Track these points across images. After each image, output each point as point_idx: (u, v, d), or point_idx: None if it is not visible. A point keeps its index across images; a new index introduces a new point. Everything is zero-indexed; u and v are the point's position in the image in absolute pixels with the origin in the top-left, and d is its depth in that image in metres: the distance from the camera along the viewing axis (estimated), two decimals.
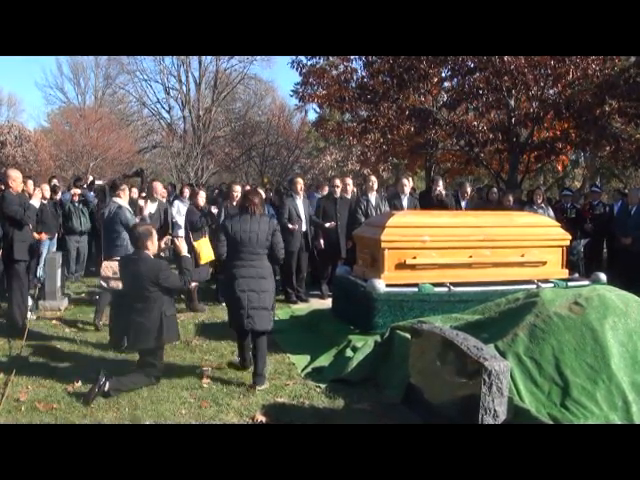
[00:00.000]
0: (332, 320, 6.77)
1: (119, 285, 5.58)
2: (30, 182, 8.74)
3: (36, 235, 7.86)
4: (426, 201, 9.59)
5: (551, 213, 9.37)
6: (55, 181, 12.37)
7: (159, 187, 8.68)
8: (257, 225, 5.19)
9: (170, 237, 6.20)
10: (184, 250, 5.32)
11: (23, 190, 7.26)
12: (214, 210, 8.49)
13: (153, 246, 5.08)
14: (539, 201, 9.77)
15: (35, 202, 7.14)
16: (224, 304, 7.84)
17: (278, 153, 31.58)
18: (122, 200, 7.08)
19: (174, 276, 5.04)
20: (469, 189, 10.49)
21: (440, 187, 9.42)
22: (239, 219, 5.26)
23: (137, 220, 7.00)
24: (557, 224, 7.17)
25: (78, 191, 10.87)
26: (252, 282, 5.12)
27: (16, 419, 4.33)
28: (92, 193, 12.00)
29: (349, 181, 9.62)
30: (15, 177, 6.61)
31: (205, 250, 7.29)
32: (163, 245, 5.84)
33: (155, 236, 5.13)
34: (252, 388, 5.03)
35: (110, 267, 6.17)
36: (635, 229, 8.93)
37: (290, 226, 8.50)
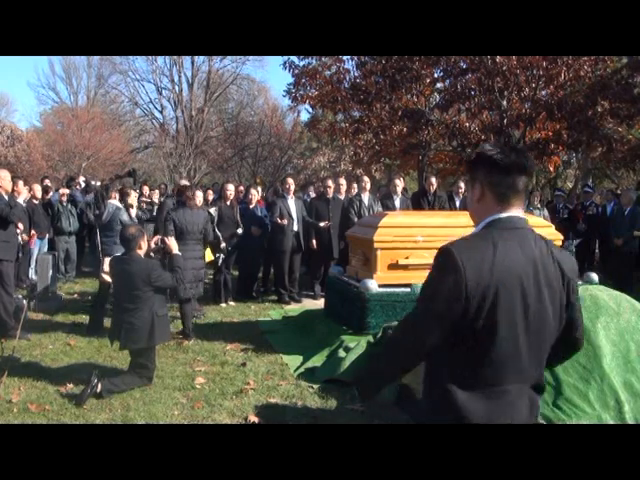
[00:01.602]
0: (325, 320, 6.76)
1: None
2: (20, 182, 8.67)
3: (25, 237, 7.79)
4: (419, 203, 9.58)
5: (546, 214, 9.45)
6: (47, 181, 12.31)
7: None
8: (196, 217, 6.69)
9: (159, 237, 6.20)
10: (175, 249, 5.37)
11: (13, 190, 7.21)
12: (212, 211, 8.46)
13: (144, 246, 5.09)
14: (535, 202, 9.84)
15: (20, 200, 7.08)
16: (222, 304, 8.42)
17: (271, 153, 31.52)
18: (117, 201, 7.12)
19: (166, 275, 5.05)
20: (463, 185, 10.49)
21: (434, 184, 9.43)
22: (183, 212, 6.62)
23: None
24: (549, 224, 7.17)
25: (67, 191, 10.79)
26: (195, 262, 6.60)
27: (8, 420, 4.31)
28: (88, 195, 11.91)
29: (342, 181, 9.62)
30: (4, 177, 6.56)
31: (205, 251, 7.32)
32: (153, 245, 5.83)
33: (146, 237, 5.15)
34: (183, 342, 6.33)
35: None
36: (628, 230, 8.99)
37: (279, 220, 8.52)
